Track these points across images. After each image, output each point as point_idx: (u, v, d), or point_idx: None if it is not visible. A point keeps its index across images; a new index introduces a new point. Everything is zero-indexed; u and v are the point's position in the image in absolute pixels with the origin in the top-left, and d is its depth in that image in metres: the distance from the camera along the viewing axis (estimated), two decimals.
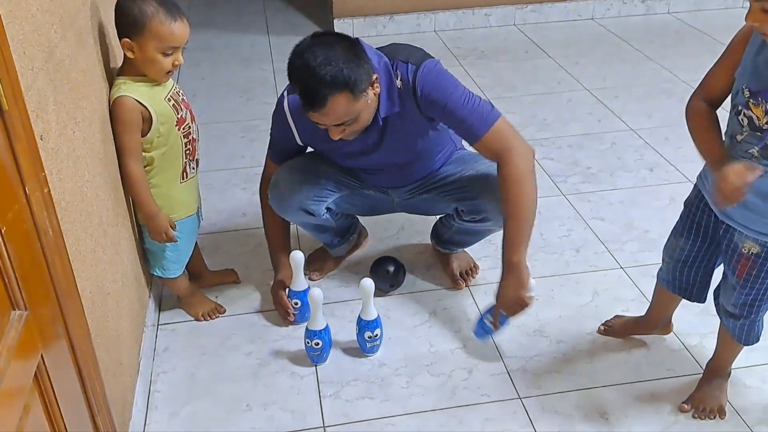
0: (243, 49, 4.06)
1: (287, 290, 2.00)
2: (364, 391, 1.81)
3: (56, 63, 1.33)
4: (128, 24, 1.63)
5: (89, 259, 1.42)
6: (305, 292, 1.94)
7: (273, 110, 1.93)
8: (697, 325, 1.99)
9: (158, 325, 2.04)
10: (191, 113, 1.83)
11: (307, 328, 1.86)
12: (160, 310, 2.09)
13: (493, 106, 1.82)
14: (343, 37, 1.68)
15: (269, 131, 2.00)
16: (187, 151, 1.82)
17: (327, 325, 1.86)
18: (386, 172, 1.98)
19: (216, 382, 1.85)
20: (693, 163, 2.76)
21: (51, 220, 1.17)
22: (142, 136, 1.71)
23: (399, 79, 1.76)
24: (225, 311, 2.07)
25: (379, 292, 2.07)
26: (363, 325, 1.87)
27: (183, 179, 1.84)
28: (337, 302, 2.10)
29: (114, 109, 1.67)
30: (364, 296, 1.85)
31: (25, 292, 1.06)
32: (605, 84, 3.48)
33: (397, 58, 1.77)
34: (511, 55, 3.88)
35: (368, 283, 1.83)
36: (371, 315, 1.86)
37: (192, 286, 2.07)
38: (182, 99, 1.80)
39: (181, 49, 1.69)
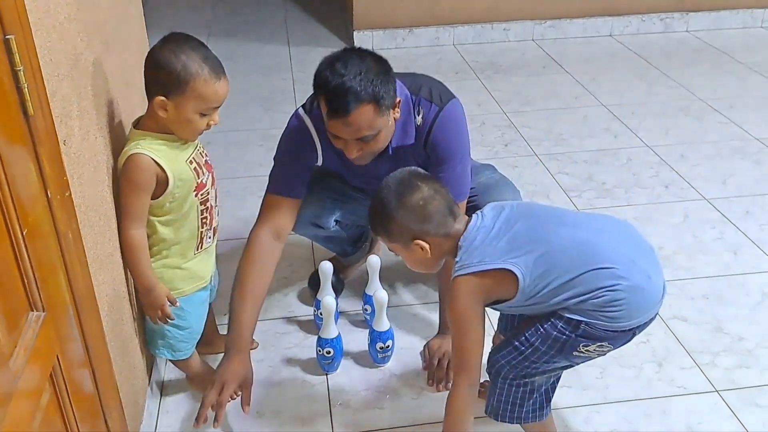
0: (264, 58, 4.10)
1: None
2: (375, 402, 1.82)
3: (81, 70, 1.36)
4: (168, 82, 1.44)
5: (107, 263, 1.44)
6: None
7: (282, 134, 1.83)
8: (709, 343, 1.98)
9: None
10: (213, 177, 1.65)
11: (318, 337, 1.87)
12: None
13: (467, 187, 1.83)
14: (373, 54, 1.67)
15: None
16: (204, 220, 1.62)
17: (339, 334, 1.87)
18: None
19: None
20: (708, 182, 2.77)
21: (71, 223, 1.19)
22: (153, 199, 1.52)
23: (420, 116, 1.75)
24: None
25: (392, 303, 2.07)
26: (375, 336, 1.88)
27: (197, 250, 1.64)
28: (349, 311, 2.11)
29: (125, 166, 1.49)
30: (377, 308, 1.86)
31: (43, 293, 1.08)
32: (622, 100, 3.48)
33: (420, 94, 1.76)
34: (528, 69, 3.89)
35: (382, 294, 1.85)
36: (384, 326, 1.87)
37: (204, 363, 1.82)
38: (206, 161, 1.63)
39: (218, 108, 1.54)
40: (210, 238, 1.68)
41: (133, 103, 1.79)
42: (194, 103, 1.47)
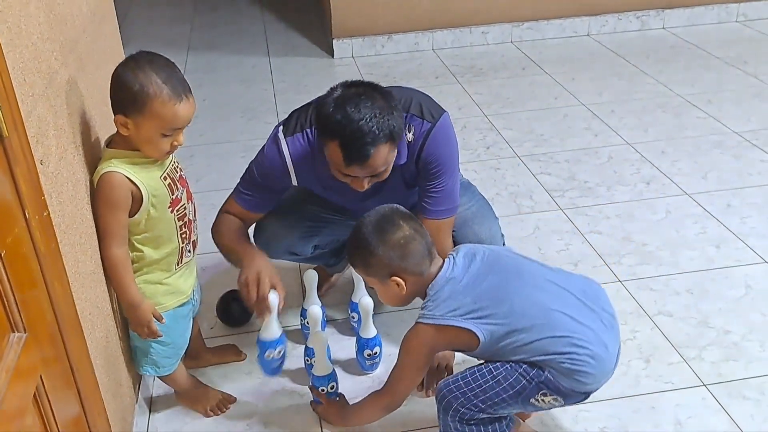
0: (244, 69, 4.10)
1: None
2: None
3: (56, 89, 1.36)
4: (126, 100, 1.43)
5: (89, 281, 1.44)
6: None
7: (258, 156, 1.82)
8: (695, 337, 1.99)
9: None
10: (188, 192, 1.65)
11: (306, 347, 1.86)
12: None
13: (457, 202, 1.83)
14: (376, 87, 1.64)
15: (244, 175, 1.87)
16: (183, 235, 1.61)
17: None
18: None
19: None
20: (689, 177, 2.79)
21: (50, 243, 1.19)
22: (129, 217, 1.52)
23: (411, 133, 1.74)
24: (235, 400, 1.84)
25: (378, 310, 2.08)
26: (362, 343, 1.88)
27: (178, 266, 1.64)
28: (336, 320, 2.11)
29: (99, 186, 1.48)
30: (363, 314, 1.86)
31: (24, 314, 1.08)
32: (601, 99, 3.51)
33: (411, 111, 1.74)
34: (508, 72, 3.91)
35: (367, 301, 1.85)
36: (371, 333, 1.87)
37: (191, 377, 1.82)
38: (179, 176, 1.62)
39: (183, 129, 1.50)
40: (190, 252, 1.68)
41: (110, 120, 1.78)
42: (153, 124, 1.44)
